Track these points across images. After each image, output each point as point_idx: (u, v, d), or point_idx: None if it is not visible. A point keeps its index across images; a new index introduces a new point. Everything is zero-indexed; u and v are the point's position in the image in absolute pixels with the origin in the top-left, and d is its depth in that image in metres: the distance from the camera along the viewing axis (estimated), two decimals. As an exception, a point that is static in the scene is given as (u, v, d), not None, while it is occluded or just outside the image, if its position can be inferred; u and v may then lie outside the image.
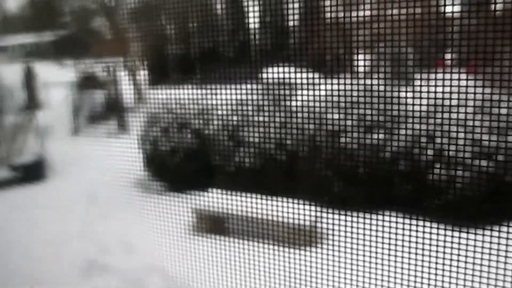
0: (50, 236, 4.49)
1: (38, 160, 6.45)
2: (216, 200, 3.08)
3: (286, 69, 2.48)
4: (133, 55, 4.35)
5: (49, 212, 4.81)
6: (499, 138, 2.21)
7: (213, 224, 3.84)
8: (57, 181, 5.66)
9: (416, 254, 2.18)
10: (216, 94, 3.00)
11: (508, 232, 1.96)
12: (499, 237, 1.98)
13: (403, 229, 2.21)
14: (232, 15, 3.27)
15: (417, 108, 2.40)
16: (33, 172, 6.22)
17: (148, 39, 3.53)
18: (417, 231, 2.17)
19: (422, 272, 2.21)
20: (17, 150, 6.73)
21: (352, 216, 2.39)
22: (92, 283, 3.74)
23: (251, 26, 3.02)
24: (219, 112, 3.56)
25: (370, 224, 2.32)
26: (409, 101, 2.45)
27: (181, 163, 4.21)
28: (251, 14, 2.68)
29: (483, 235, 2.02)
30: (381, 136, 3.37)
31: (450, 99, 1.97)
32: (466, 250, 2.03)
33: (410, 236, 2.19)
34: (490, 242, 1.98)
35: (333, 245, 2.48)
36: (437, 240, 2.12)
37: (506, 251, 1.95)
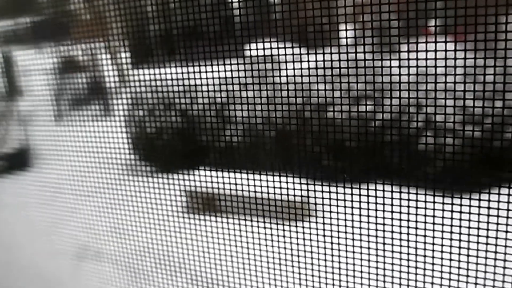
0: (40, 223, 4.45)
1: (23, 148, 6.34)
2: (207, 179, 3.06)
3: (270, 44, 2.44)
4: (114, 36, 4.25)
5: (36, 200, 4.75)
6: (486, 104, 2.20)
7: (205, 203, 3.83)
8: (43, 168, 5.59)
9: (406, 221, 2.19)
10: (200, 72, 2.95)
11: (499, 194, 1.97)
12: (488, 201, 2.00)
13: (392, 198, 2.22)
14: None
15: (404, 78, 2.38)
16: (18, 161, 6.13)
17: (128, 19, 3.43)
18: (400, 199, 2.18)
19: (414, 242, 2.23)
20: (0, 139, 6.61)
21: (343, 187, 2.39)
22: (84, 269, 3.73)
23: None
24: (205, 90, 3.51)
25: (364, 195, 2.33)
26: (396, 71, 2.43)
27: (169, 143, 4.16)
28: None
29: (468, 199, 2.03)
30: (369, 107, 3.36)
31: (436, 66, 1.95)
32: (462, 219, 2.05)
33: (399, 206, 2.20)
34: (479, 207, 2.00)
35: (323, 217, 2.48)
36: (425, 208, 2.14)
37: (498, 216, 1.97)
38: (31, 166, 6.18)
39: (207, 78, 2.97)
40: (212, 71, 2.85)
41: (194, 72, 3.07)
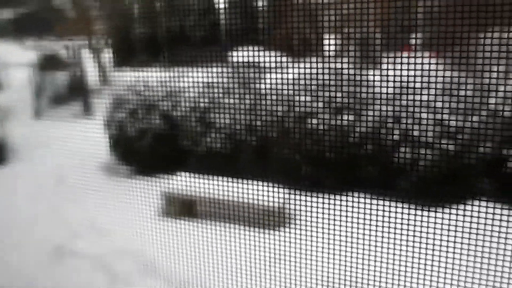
0: (15, 221, 4.37)
1: (-1, 144, 6.23)
2: (185, 183, 3.05)
3: (255, 52, 2.46)
4: (98, 35, 4.22)
5: (12, 197, 4.67)
6: (462, 119, 2.25)
7: (182, 207, 3.81)
8: (19, 165, 5.50)
9: (382, 233, 2.22)
10: (184, 76, 2.95)
11: (472, 211, 2.02)
12: (464, 215, 2.04)
13: (371, 208, 2.25)
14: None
15: (384, 90, 2.42)
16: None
17: (113, 19, 3.42)
18: (383, 210, 2.21)
19: (387, 253, 2.25)
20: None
21: (319, 197, 2.41)
22: (61, 268, 3.68)
23: (220, 6, 2.96)
24: (188, 95, 3.51)
25: (342, 205, 2.35)
26: (376, 84, 2.47)
27: (149, 146, 4.14)
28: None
29: (449, 213, 2.07)
30: (349, 118, 3.40)
31: (415, 82, 1.99)
32: (438, 228, 2.08)
33: (377, 215, 2.23)
34: (456, 220, 2.04)
35: (300, 227, 2.50)
36: (402, 219, 2.17)
37: (470, 227, 2.01)
38: (6, 162, 6.07)
39: (192, 83, 2.97)
40: (197, 76, 2.86)
41: (178, 76, 3.06)
